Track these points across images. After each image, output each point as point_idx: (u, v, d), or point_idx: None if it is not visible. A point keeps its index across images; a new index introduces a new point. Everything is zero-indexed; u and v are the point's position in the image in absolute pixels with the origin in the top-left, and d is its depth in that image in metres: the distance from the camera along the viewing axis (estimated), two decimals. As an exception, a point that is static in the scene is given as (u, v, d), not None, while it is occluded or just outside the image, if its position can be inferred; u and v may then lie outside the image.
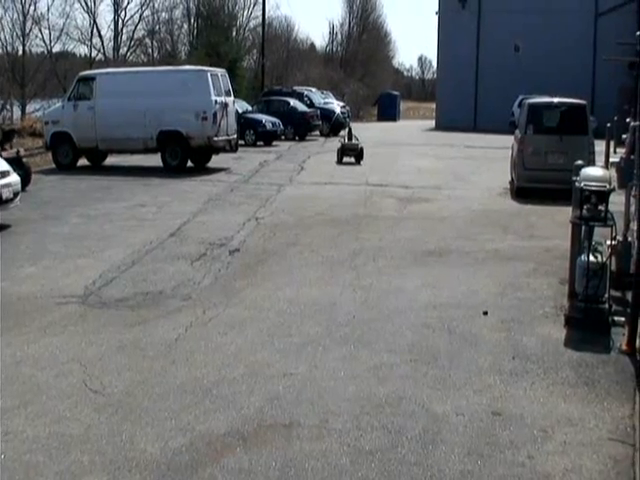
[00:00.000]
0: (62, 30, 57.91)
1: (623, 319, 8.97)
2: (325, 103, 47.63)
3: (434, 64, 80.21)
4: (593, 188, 9.01)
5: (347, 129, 29.08)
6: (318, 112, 42.44)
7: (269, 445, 6.21)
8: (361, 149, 27.58)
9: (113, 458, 6.00)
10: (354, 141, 28.08)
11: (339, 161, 27.28)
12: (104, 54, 61.90)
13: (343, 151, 27.63)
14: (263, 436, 6.37)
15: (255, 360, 8.09)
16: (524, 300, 10.32)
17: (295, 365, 7.95)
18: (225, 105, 25.62)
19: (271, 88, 52.49)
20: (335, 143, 36.05)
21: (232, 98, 27.07)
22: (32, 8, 54.17)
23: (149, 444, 6.22)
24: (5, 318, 9.43)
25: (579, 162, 10.17)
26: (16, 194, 15.70)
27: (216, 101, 25.00)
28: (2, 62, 49.41)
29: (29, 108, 48.51)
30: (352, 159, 27.33)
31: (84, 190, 20.67)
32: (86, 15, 64.92)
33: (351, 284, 11.10)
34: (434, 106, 62.61)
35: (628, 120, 21.97)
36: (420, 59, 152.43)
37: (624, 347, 8.36)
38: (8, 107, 46.94)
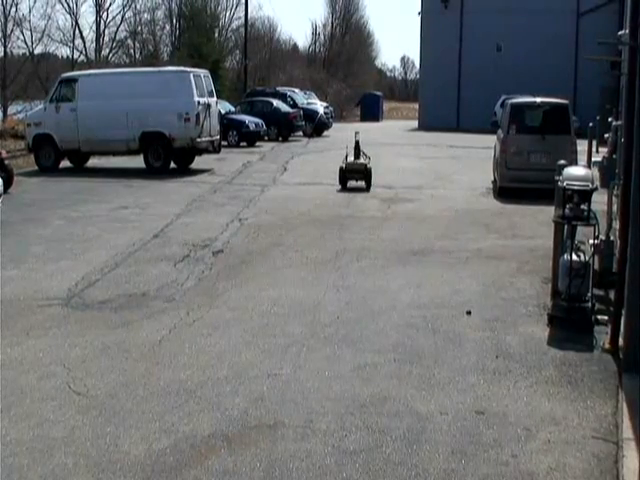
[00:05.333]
0: (44, 32, 57.85)
1: (606, 318, 9.02)
2: (308, 103, 47.66)
3: (417, 64, 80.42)
4: (576, 187, 9.05)
5: (354, 143, 21.47)
6: (301, 112, 42.45)
7: (253, 446, 6.20)
8: (369, 170, 21.21)
9: (97, 460, 5.98)
10: (361, 160, 21.54)
11: (343, 187, 21.09)
12: (86, 55, 61.81)
13: (346, 173, 21.25)
14: (247, 437, 6.36)
15: (239, 361, 8.08)
16: (507, 299, 10.35)
17: (279, 366, 7.95)
18: (208, 106, 25.58)
19: (254, 89, 52.49)
20: (318, 144, 36.17)
21: (215, 99, 27.03)
22: (13, 9, 54.13)
23: (133, 446, 6.20)
24: (-12, 321, 9.38)
25: (562, 161, 10.21)
26: (-2, 196, 15.64)
27: (199, 102, 24.95)
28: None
29: (11, 110, 48.36)
30: (361, 183, 21.15)
31: (67, 192, 20.59)
32: (68, 16, 64.94)
33: (335, 284, 11.10)
34: (417, 106, 62.75)
35: (610, 119, 22.07)
36: (403, 59, 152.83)
37: (607, 345, 8.40)
38: (-11, 109, 46.82)
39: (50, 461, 5.97)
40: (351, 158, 21.39)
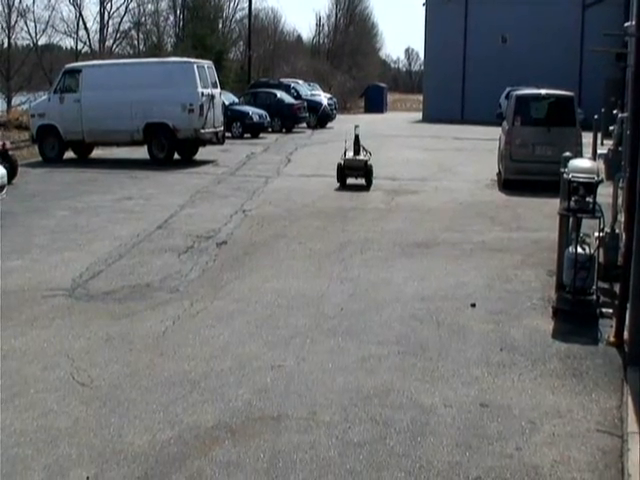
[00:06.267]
0: (48, 23, 57.82)
1: (611, 311, 9.00)
2: (312, 95, 47.56)
3: (421, 56, 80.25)
4: (581, 180, 9.02)
5: (354, 138, 19.85)
6: (305, 104, 42.37)
7: (257, 437, 6.20)
8: (370, 167, 19.74)
9: (101, 451, 5.98)
10: (361, 156, 19.95)
11: (342, 184, 19.75)
12: (90, 46, 61.67)
13: (344, 170, 19.78)
14: (251, 428, 6.36)
15: (243, 352, 8.08)
16: (512, 292, 10.33)
17: (283, 357, 7.94)
18: (212, 97, 25.54)
19: (258, 80, 52.37)
20: (322, 135, 36.13)
21: (219, 90, 26.97)
22: (17, 0, 54.05)
23: (137, 437, 6.20)
24: (-9, 311, 9.39)
25: (567, 154, 10.18)
26: (2, 187, 15.65)
27: (202, 93, 24.92)
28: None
29: (15, 101, 48.38)
30: (361, 181, 19.72)
31: (71, 183, 20.59)
32: (72, 7, 64.70)
33: (339, 276, 11.09)
34: (421, 98, 62.65)
35: (615, 112, 22.04)
36: (407, 51, 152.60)
37: (612, 339, 8.38)
38: (-6, 100, 46.83)
39: (54, 451, 5.97)
40: (350, 153, 19.92)
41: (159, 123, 24.81)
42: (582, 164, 9.57)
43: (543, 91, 21.32)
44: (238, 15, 73.07)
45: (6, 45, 53.60)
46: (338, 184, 19.73)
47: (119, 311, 9.52)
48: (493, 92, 46.17)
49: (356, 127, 19.83)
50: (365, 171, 19.68)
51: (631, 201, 8.27)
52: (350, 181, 19.74)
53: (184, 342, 8.39)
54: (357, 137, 19.93)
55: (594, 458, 5.93)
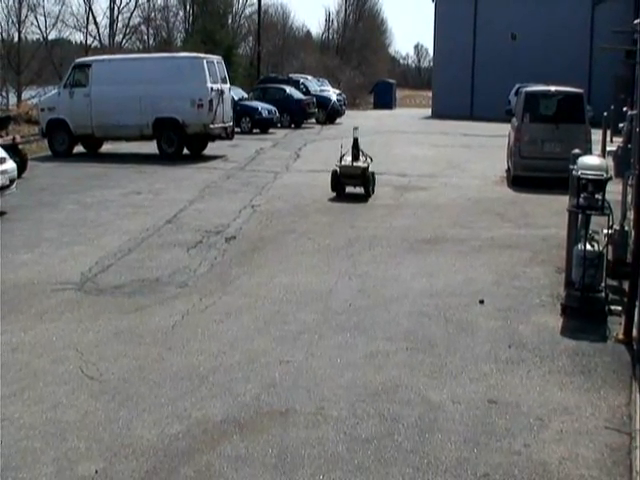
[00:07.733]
0: (58, 17, 58.14)
1: (620, 308, 8.99)
2: (321, 91, 47.53)
3: (430, 52, 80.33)
4: (590, 177, 9.00)
5: (352, 141, 17.61)
6: (314, 100, 42.32)
7: (265, 432, 6.21)
8: (369, 175, 17.55)
9: (110, 444, 6.00)
10: (361, 162, 17.50)
11: (337, 194, 17.46)
12: (100, 41, 61.87)
13: (340, 179, 17.47)
14: (259, 423, 6.37)
15: (251, 347, 8.09)
16: (520, 289, 10.32)
17: (291, 353, 7.95)
18: (221, 92, 25.54)
19: (267, 75, 52.45)
20: (331, 131, 36.09)
21: (228, 85, 26.97)
22: (28, -5, 54.17)
23: (146, 430, 6.22)
24: (1, 305, 9.41)
25: (576, 151, 10.15)
26: (12, 181, 15.67)
27: (212, 88, 24.91)
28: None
29: (25, 95, 48.50)
30: (360, 189, 17.47)
31: (80, 177, 20.62)
32: (82, 2, 64.86)
33: (347, 272, 11.09)
34: (430, 94, 62.55)
35: (625, 109, 21.96)
36: (416, 47, 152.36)
37: (620, 336, 8.37)
38: (4, 94, 46.94)
39: (63, 445, 5.99)
40: (348, 158, 17.56)
41: (168, 118, 24.82)
42: (591, 161, 9.54)
43: (552, 88, 21.27)
44: (247, 10, 73.27)
45: (16, 39, 53.81)
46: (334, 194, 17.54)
47: (128, 305, 9.55)
48: (502, 89, 46.06)
49: (355, 129, 17.60)
50: (364, 180, 17.44)
51: (640, 198, 8.25)
52: (350, 189, 17.58)
53: (193, 337, 8.41)
54: (356, 140, 17.68)
55: (602, 455, 5.93)
